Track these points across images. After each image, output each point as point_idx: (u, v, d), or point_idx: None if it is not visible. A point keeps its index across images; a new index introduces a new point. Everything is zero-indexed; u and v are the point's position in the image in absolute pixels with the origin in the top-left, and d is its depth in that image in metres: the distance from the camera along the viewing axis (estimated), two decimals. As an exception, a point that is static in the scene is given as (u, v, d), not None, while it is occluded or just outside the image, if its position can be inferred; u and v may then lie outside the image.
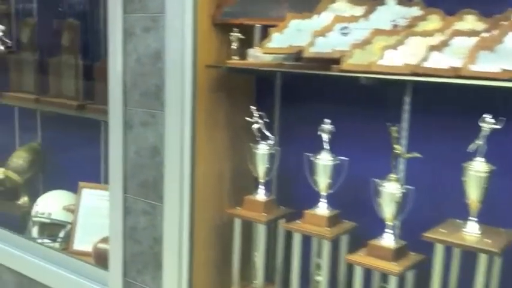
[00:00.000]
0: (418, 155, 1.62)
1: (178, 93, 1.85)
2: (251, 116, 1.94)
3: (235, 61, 1.87)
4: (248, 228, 1.98)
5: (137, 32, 1.94)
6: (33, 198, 2.83)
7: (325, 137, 1.79)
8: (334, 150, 1.79)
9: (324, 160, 1.79)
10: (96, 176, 2.71)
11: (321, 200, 1.83)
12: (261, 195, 1.96)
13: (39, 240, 2.60)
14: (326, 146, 1.79)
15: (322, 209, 1.83)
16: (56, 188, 2.75)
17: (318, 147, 1.82)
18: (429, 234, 1.58)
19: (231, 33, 1.87)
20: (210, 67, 1.89)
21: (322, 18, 1.78)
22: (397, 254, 1.66)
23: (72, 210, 2.59)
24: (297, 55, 1.78)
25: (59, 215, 2.62)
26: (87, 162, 2.75)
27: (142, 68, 1.95)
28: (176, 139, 1.87)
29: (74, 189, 2.68)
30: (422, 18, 1.59)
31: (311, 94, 1.98)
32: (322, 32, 1.71)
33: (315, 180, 1.81)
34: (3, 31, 2.98)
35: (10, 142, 3.08)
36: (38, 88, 2.76)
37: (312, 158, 1.81)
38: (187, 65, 1.82)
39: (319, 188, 1.82)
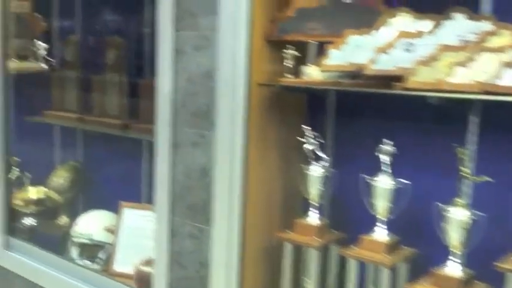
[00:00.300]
0: (489, 179, 1.52)
1: (229, 112, 1.79)
2: (302, 135, 1.88)
3: (290, 79, 1.81)
4: (299, 252, 1.90)
5: (188, 51, 1.90)
6: (73, 218, 2.79)
7: (384, 158, 1.71)
8: (392, 171, 1.71)
9: (384, 183, 1.70)
10: (137, 195, 2.66)
11: (378, 224, 1.74)
12: (313, 218, 1.88)
13: (79, 261, 2.55)
14: (385, 168, 1.71)
15: (380, 234, 1.74)
16: (96, 208, 2.71)
17: (373, 168, 1.74)
18: (502, 264, 1.48)
19: (285, 50, 1.82)
20: (263, 85, 1.83)
21: (382, 34, 1.71)
22: (464, 285, 1.56)
23: (113, 230, 2.54)
24: (355, 73, 1.72)
25: (99, 235, 2.57)
26: (128, 181, 2.71)
27: (192, 87, 1.90)
28: (226, 160, 1.81)
29: (114, 209, 2.64)
30: (492, 33, 1.50)
31: (367, 113, 1.90)
32: (385, 49, 1.64)
33: (372, 204, 1.73)
34: (46, 49, 2.98)
35: (50, 161, 3.06)
36: (81, 107, 2.74)
37: (369, 181, 1.72)
38: (240, 84, 1.77)
39: (377, 212, 1.73)
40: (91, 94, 2.69)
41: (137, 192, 2.67)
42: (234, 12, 1.76)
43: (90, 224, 2.60)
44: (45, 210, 2.84)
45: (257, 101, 1.83)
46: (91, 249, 2.57)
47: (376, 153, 1.69)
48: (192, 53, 1.89)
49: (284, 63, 1.82)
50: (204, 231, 1.90)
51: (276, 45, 1.86)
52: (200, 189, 1.91)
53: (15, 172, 2.93)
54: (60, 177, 2.80)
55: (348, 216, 1.93)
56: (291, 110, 1.98)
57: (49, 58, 2.95)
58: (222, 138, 1.82)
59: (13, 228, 2.89)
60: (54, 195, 2.76)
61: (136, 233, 2.49)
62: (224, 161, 1.81)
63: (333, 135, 2.00)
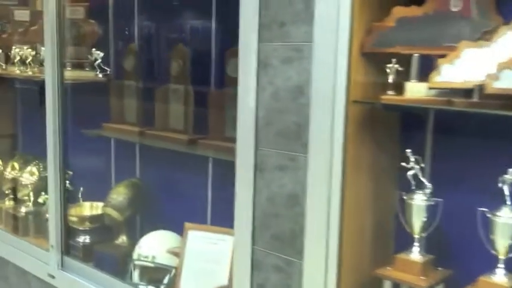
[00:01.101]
0: None
1: (326, 133, 1.59)
2: (398, 158, 1.68)
3: (392, 97, 1.61)
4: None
5: (274, 63, 1.71)
6: (132, 237, 2.65)
7: (507, 189, 1.50)
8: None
9: (506, 218, 1.49)
10: (202, 217, 2.49)
11: (499, 266, 1.53)
12: (416, 254, 1.67)
13: (142, 286, 2.39)
14: (509, 200, 1.50)
15: (501, 276, 1.52)
16: (156, 228, 2.54)
17: (478, 197, 1.55)
18: None
19: (389, 65, 1.61)
20: (360, 103, 1.63)
21: (503, 47, 1.50)
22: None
23: (177, 253, 2.37)
24: (469, 90, 1.51)
25: (163, 258, 2.40)
26: (192, 201, 2.54)
27: (279, 104, 1.71)
28: (322, 186, 1.61)
29: (177, 230, 2.48)
30: None
31: (478, 135, 1.69)
32: (509, 64, 1.43)
33: (492, 240, 1.52)
34: (101, 58, 2.84)
35: (108, 176, 2.92)
36: (142, 120, 2.59)
37: (489, 215, 1.51)
38: (339, 101, 1.57)
39: (497, 250, 1.52)
40: (153, 106, 2.53)
41: (202, 212, 2.50)
42: (332, 21, 1.56)
43: (153, 246, 2.42)
44: (102, 228, 2.69)
45: (353, 120, 1.64)
46: (154, 273, 2.40)
47: (500, 184, 1.48)
48: (280, 66, 1.70)
49: (386, 79, 1.63)
50: (294, 264, 1.71)
51: (373, 57, 1.67)
52: (288, 218, 1.71)
53: (70, 187, 2.81)
54: (120, 195, 2.64)
55: (453, 251, 1.72)
56: (383, 129, 1.77)
57: (104, 67, 2.80)
58: (317, 161, 1.62)
59: (68, 245, 2.76)
60: (113, 213, 2.60)
61: (203, 257, 2.31)
62: (319, 187, 1.62)
63: (431, 157, 1.80)
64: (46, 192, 2.82)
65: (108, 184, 2.89)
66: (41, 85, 2.68)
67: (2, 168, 3.48)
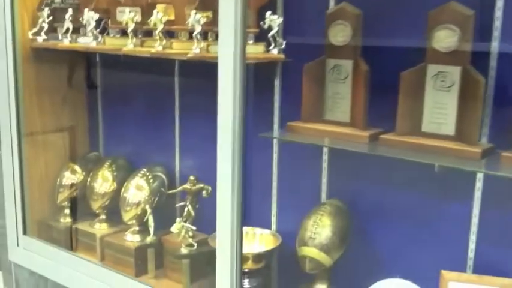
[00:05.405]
0: None
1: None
2: None
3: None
4: None
5: None
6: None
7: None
8: None
9: None
10: (460, 261, 1.69)
11: None
12: None
13: None
14: None
15: None
16: (373, 276, 1.74)
17: None
18: None
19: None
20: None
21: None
22: None
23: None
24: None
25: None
26: (444, 236, 1.74)
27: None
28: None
29: (413, 278, 1.68)
30: None
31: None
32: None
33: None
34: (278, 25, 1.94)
35: (284, 193, 2.09)
36: (366, 118, 1.73)
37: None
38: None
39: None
40: (387, 98, 1.70)
41: (460, 256, 1.71)
42: None
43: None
44: (301, 273, 1.86)
45: None
46: None
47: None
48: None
49: None
50: None
51: None
52: None
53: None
54: (325, 227, 1.80)
55: None
56: None
57: (279, 39, 1.95)
58: None
59: None
60: (319, 255, 1.76)
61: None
62: None
63: None
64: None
65: (290, 205, 2.08)
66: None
67: (86, 178, 2.57)
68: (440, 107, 1.57)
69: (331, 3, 1.86)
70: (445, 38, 1.51)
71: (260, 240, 2.11)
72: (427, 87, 1.59)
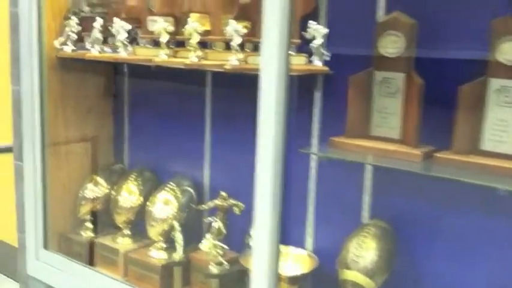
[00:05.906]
0: None
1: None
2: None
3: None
4: None
5: None
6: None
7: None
8: None
9: None
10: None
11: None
12: None
13: None
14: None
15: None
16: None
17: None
18: None
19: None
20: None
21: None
22: None
23: None
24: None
25: None
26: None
27: None
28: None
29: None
30: None
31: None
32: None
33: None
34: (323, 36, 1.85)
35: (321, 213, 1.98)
36: (410, 134, 1.63)
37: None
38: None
39: None
40: (443, 113, 1.59)
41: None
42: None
43: None
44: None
45: None
46: None
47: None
48: None
49: None
50: None
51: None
52: None
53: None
54: (369, 250, 1.70)
55: None
56: None
57: (324, 51, 1.85)
58: None
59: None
60: (363, 280, 1.66)
61: None
62: None
63: None
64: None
65: (327, 224, 1.98)
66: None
67: (110, 191, 2.49)
68: (503, 124, 1.47)
69: (380, 11, 1.77)
70: (511, 50, 1.40)
71: (294, 261, 2.00)
72: (488, 103, 1.49)
